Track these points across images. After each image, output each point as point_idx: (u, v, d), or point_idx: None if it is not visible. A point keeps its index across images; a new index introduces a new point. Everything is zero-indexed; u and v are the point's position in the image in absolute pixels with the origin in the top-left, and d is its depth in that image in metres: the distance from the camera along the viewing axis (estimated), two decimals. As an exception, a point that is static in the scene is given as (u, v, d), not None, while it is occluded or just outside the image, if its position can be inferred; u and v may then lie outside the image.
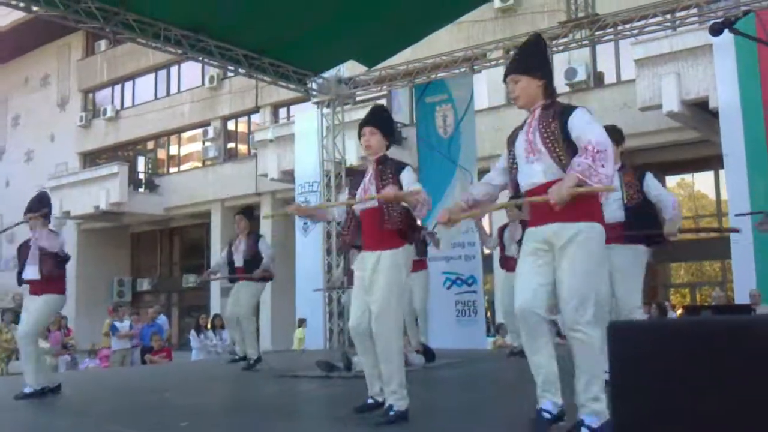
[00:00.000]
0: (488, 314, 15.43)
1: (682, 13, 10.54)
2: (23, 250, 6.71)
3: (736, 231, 6.94)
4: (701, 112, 13.74)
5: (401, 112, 18.91)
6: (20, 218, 6.90)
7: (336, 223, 8.42)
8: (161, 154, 26.66)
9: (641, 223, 5.08)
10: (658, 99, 13.79)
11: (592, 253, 3.37)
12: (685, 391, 1.96)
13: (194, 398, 6.44)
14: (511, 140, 3.66)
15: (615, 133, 4.76)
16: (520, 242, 7.23)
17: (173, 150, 26.22)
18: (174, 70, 25.29)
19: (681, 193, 17.83)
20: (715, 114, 12.56)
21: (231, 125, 24.44)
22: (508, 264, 7.98)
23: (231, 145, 24.53)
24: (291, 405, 5.79)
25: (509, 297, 7.78)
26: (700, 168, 16.52)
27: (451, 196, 11.49)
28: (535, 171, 3.45)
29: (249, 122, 23.89)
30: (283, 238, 18.12)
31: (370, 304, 4.22)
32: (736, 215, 9.30)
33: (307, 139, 15.47)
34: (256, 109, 23.01)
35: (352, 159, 15.75)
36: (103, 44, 26.78)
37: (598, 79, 16.51)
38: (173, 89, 25.55)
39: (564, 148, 3.36)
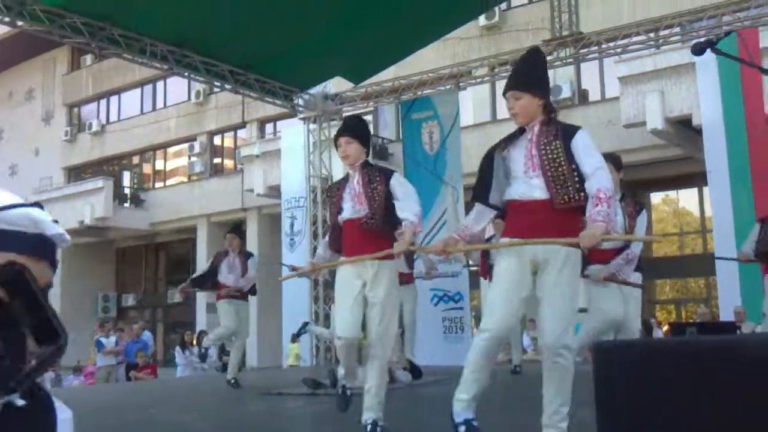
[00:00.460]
0: (474, 331, 15.40)
1: (665, 32, 10.68)
2: None
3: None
4: (685, 129, 13.86)
5: (387, 129, 18.97)
6: None
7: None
8: (147, 168, 26.56)
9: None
10: (642, 116, 13.91)
11: (577, 277, 3.48)
12: (668, 410, 1.99)
13: (180, 415, 6.39)
14: (495, 155, 3.61)
15: (615, 161, 4.93)
16: None
17: (159, 165, 26.13)
18: (160, 85, 25.25)
19: (666, 209, 17.96)
20: (698, 131, 12.67)
21: (217, 140, 24.40)
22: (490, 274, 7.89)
23: (217, 160, 24.49)
24: (278, 423, 5.76)
25: None
26: (684, 185, 16.66)
27: (437, 212, 11.53)
28: (535, 186, 3.44)
29: (235, 137, 23.87)
30: (269, 253, 18.04)
31: (374, 321, 4.16)
32: (717, 258, 9.46)
33: (293, 155, 15.46)
34: (242, 125, 23.00)
35: (338, 175, 15.72)
36: (88, 59, 26.72)
37: (582, 97, 16.63)
38: (159, 104, 25.50)
39: (566, 167, 3.39)
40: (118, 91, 26.53)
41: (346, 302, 4.19)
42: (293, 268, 5.26)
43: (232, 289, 8.09)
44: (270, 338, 19.42)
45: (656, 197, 17.42)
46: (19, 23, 9.42)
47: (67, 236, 1.14)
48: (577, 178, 3.37)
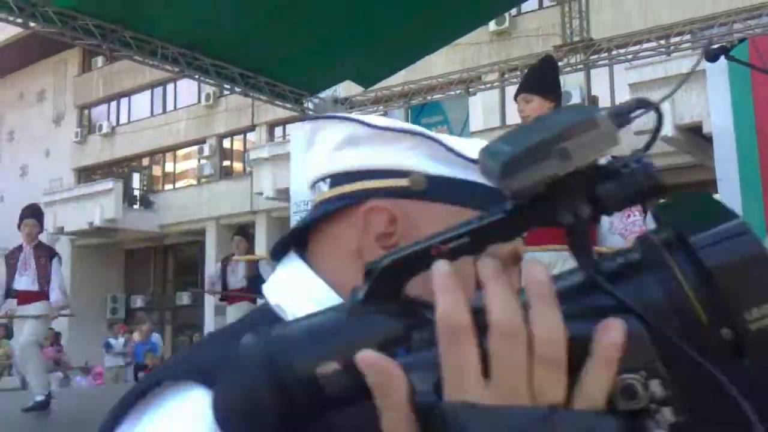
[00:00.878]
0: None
1: (676, 39, 10.66)
2: (9, 259, 6.53)
3: None
4: (695, 136, 13.83)
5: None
6: (11, 232, 6.79)
7: None
8: (156, 171, 26.66)
9: None
10: (652, 123, 13.84)
11: None
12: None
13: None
14: None
15: None
16: None
17: (168, 167, 26.23)
18: (170, 87, 25.35)
19: (675, 216, 17.91)
20: (708, 139, 12.63)
21: (227, 143, 24.48)
22: None
23: (226, 162, 24.56)
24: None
25: None
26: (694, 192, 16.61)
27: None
28: None
29: (245, 140, 23.93)
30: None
31: None
32: None
33: (302, 158, 15.51)
34: (251, 128, 23.05)
35: (347, 178, 15.78)
36: (99, 61, 26.86)
37: (592, 103, 16.61)
38: (169, 106, 25.60)
39: None
40: (128, 93, 26.65)
41: None
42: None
43: (237, 291, 8.12)
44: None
45: (665, 204, 17.38)
46: (32, 24, 9.46)
47: None
48: None
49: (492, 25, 16.93)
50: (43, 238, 6.94)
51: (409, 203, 0.85)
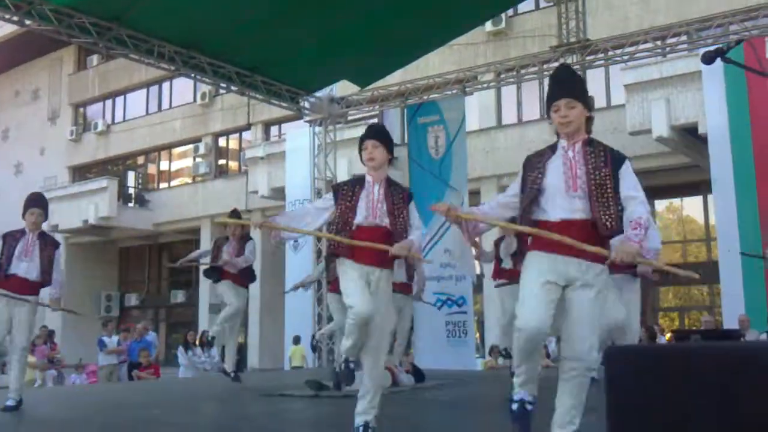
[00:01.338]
0: (477, 335, 15.42)
1: (672, 40, 10.69)
2: (10, 240, 6.29)
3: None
4: (690, 137, 13.85)
5: (392, 133, 18.96)
6: (6, 230, 6.61)
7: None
8: (151, 169, 26.59)
9: None
10: (648, 124, 13.90)
11: (605, 298, 3.59)
12: (679, 415, 2.00)
13: (183, 416, 6.39)
14: (536, 166, 3.56)
15: None
16: (514, 255, 7.31)
17: (164, 165, 26.17)
18: (165, 86, 25.30)
19: (670, 217, 17.93)
20: (704, 139, 12.67)
21: (222, 142, 24.43)
22: (503, 275, 7.82)
23: (222, 161, 24.52)
24: (280, 425, 5.75)
25: (510, 314, 7.73)
26: (689, 193, 16.64)
27: (441, 217, 11.50)
28: (576, 206, 3.43)
29: (240, 139, 23.90)
30: (272, 254, 18.06)
31: (372, 331, 4.15)
32: (743, 254, 9.24)
33: (298, 157, 15.50)
34: (247, 127, 23.02)
35: (343, 177, 15.77)
36: (95, 59, 26.77)
37: (588, 104, 16.60)
38: (165, 105, 25.54)
39: (612, 194, 3.42)
40: (123, 92, 26.59)
41: (357, 284, 4.15)
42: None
43: (230, 270, 8.05)
44: (272, 340, 19.43)
45: (661, 205, 17.38)
46: (28, 22, 9.45)
47: None
48: (620, 206, 3.41)
49: (488, 26, 16.94)
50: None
51: None
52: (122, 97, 26.74)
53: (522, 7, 17.54)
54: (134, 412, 6.77)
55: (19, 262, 6.21)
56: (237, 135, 23.95)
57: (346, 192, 4.29)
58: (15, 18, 9.29)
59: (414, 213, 4.33)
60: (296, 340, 15.01)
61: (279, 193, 18.04)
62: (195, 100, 24.04)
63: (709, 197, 14.35)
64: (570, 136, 3.54)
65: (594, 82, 16.38)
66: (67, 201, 23.54)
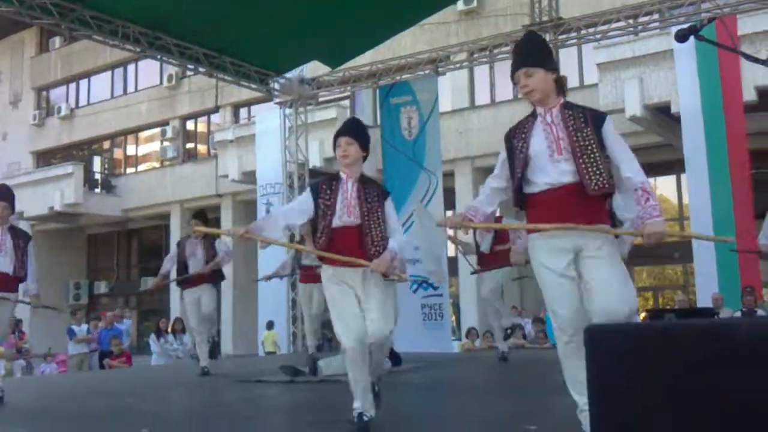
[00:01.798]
0: (453, 317, 15.40)
1: (645, 19, 10.64)
2: None
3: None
4: (663, 116, 13.88)
5: (364, 114, 18.80)
6: None
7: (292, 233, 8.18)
8: (118, 154, 26.15)
9: None
10: (621, 103, 13.90)
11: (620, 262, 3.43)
12: (659, 390, 2.00)
13: (156, 404, 6.26)
14: (519, 136, 3.48)
15: None
16: (494, 237, 7.31)
17: (130, 150, 25.75)
18: (131, 68, 24.83)
19: (642, 196, 18.02)
20: (677, 118, 12.69)
21: (190, 125, 24.08)
22: (484, 261, 7.77)
23: (190, 145, 24.17)
24: (255, 411, 5.64)
25: (493, 294, 7.68)
26: (663, 172, 16.71)
27: (415, 198, 11.42)
28: (564, 170, 3.33)
29: (209, 122, 23.56)
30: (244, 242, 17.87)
31: (371, 316, 4.03)
32: (737, 251, 9.04)
33: (268, 140, 15.28)
34: (216, 109, 22.70)
35: (315, 160, 15.61)
36: (57, 41, 26.17)
37: (561, 83, 16.58)
38: (130, 88, 25.09)
39: (599, 153, 3.32)
40: (87, 75, 26.08)
41: (344, 304, 4.07)
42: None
43: (194, 275, 7.86)
44: (245, 326, 19.28)
45: (633, 184, 17.48)
46: (-13, 3, 9.13)
47: None
48: (608, 165, 3.32)
49: (460, 5, 16.81)
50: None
51: None
52: (86, 80, 26.22)
53: (493, -14, 17.46)
54: (106, 400, 6.62)
55: None
56: (205, 118, 23.61)
57: (324, 190, 4.20)
58: (-28, -2, 8.97)
59: (392, 213, 4.24)
60: (269, 326, 14.87)
61: (250, 176, 17.80)
62: (161, 83, 23.64)
63: (683, 176, 14.42)
64: (542, 102, 3.47)
65: (567, 61, 16.35)
66: (32, 187, 23.06)
